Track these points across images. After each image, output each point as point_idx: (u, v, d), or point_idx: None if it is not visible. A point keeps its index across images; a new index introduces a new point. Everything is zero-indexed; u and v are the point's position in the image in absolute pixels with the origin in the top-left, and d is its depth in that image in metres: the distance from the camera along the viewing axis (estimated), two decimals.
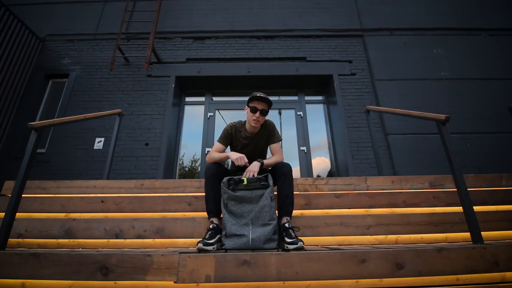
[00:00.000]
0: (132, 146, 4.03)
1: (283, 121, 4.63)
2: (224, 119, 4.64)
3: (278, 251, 1.45)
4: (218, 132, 4.64)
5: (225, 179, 1.68)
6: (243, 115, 2.10)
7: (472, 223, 1.51)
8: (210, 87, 4.81)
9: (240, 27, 4.87)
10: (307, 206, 2.05)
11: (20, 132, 4.08)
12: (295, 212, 1.83)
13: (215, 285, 1.22)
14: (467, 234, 1.61)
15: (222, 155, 1.89)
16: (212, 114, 4.64)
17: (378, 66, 4.52)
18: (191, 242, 1.80)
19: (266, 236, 1.52)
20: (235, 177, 1.67)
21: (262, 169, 1.85)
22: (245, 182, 1.63)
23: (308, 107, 4.75)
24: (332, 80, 4.50)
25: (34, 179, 2.32)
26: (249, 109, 1.91)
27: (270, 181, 1.66)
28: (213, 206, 1.71)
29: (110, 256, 1.23)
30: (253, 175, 1.72)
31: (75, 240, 1.85)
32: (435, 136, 3.72)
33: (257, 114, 1.87)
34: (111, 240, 1.83)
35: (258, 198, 1.63)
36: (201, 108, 4.74)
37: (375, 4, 5.04)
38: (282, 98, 4.88)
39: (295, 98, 4.85)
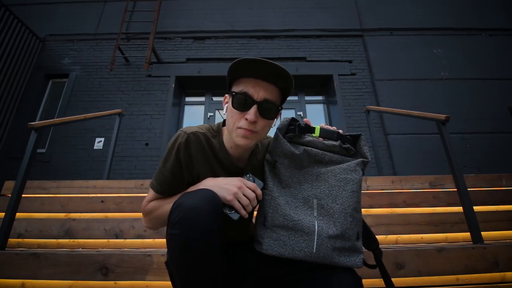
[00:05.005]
0: (132, 146, 4.03)
1: None
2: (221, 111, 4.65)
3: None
4: None
5: (285, 120, 0.86)
6: None
7: (472, 223, 1.51)
8: (210, 87, 4.81)
9: (240, 27, 4.87)
10: None
11: (20, 132, 4.08)
12: None
13: None
14: (467, 234, 1.61)
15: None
16: (212, 114, 4.64)
17: (378, 66, 4.51)
18: None
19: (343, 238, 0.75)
20: (301, 123, 0.88)
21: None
22: (316, 134, 0.87)
23: (308, 107, 4.75)
24: (332, 80, 4.50)
25: (34, 179, 2.33)
26: (230, 100, 0.77)
27: (367, 150, 0.85)
28: None
29: (110, 256, 1.23)
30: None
31: (75, 240, 1.85)
32: (435, 136, 3.71)
33: (251, 113, 0.73)
34: (111, 240, 1.83)
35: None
36: (201, 108, 4.74)
37: (375, 4, 5.04)
38: None
39: (295, 98, 4.84)
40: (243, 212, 0.69)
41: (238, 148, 0.81)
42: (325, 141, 0.85)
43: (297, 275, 0.73)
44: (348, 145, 0.84)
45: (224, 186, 0.70)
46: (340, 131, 0.87)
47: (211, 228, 0.61)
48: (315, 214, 0.76)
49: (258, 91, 0.74)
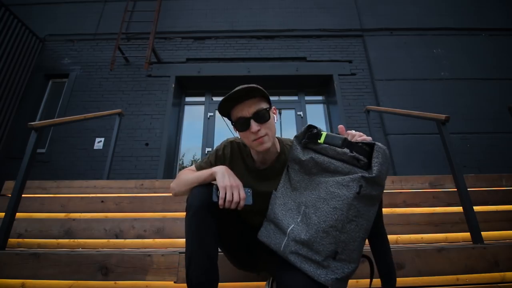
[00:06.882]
0: (132, 146, 4.03)
1: (283, 121, 4.63)
2: (224, 119, 4.64)
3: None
4: (218, 132, 4.66)
5: (304, 127, 0.92)
6: None
7: (472, 223, 1.51)
8: (210, 87, 4.81)
9: (240, 27, 4.86)
10: None
11: (20, 132, 4.07)
12: None
13: None
14: (467, 234, 1.61)
15: (203, 174, 0.98)
16: (212, 114, 4.64)
17: (378, 66, 4.51)
18: None
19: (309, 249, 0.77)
20: (317, 127, 0.89)
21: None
22: (321, 141, 0.85)
23: (308, 107, 4.74)
24: (332, 80, 4.50)
25: (34, 179, 2.32)
26: (235, 129, 1.01)
27: (376, 163, 0.75)
28: (202, 274, 0.86)
29: (110, 256, 1.23)
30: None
31: (75, 240, 1.85)
32: (435, 136, 3.71)
33: (253, 127, 0.94)
34: (111, 240, 1.83)
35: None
36: (201, 108, 4.74)
37: (375, 4, 5.04)
38: (282, 98, 4.88)
39: (295, 98, 4.84)
40: (221, 201, 0.87)
41: (260, 153, 1.04)
42: (337, 149, 0.81)
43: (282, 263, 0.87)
44: (355, 154, 0.77)
45: (226, 177, 0.92)
46: (368, 138, 0.82)
47: (204, 203, 0.90)
48: (299, 220, 0.82)
49: (247, 110, 0.95)
